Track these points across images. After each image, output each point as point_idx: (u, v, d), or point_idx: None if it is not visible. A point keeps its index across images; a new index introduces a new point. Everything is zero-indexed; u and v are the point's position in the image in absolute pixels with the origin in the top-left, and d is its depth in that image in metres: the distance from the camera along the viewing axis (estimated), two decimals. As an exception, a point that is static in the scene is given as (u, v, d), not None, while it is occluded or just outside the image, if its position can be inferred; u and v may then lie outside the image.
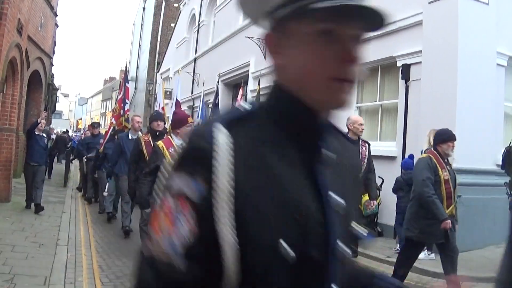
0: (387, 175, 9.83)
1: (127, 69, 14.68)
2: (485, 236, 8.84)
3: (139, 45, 41.28)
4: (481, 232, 8.79)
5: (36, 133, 11.21)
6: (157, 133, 7.54)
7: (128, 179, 7.49)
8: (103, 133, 14.39)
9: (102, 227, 10.40)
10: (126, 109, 12.23)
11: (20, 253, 7.05)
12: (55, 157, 23.96)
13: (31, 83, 18.14)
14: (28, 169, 11.16)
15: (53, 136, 24.49)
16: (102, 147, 11.94)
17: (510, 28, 9.92)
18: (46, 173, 15.09)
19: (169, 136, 6.20)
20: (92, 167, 12.84)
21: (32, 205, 10.90)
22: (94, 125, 15.86)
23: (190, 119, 6.27)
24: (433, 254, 7.87)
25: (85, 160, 14.75)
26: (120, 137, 10.06)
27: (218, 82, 18.28)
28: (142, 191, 6.13)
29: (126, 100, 12.43)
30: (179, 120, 6.24)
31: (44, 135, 11.66)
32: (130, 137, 9.34)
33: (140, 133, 9.45)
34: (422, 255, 7.34)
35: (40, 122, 11.21)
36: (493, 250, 8.65)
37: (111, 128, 12.72)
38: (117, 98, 15.58)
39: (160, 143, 6.02)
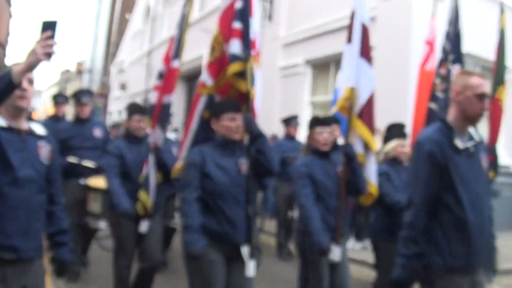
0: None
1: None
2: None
3: (95, 37, 40.61)
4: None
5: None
6: None
7: None
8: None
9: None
10: (251, 43, 3.86)
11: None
12: None
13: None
14: None
15: None
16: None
17: (465, 25, 9.91)
18: None
19: None
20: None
21: None
22: (90, 94, 6.72)
23: None
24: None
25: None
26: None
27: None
28: None
29: (250, 18, 3.91)
30: None
31: (40, 132, 2.98)
32: None
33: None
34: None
35: None
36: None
37: (200, 100, 4.00)
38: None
39: None
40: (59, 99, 7.60)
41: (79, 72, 43.65)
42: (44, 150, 2.98)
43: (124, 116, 6.45)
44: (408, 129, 6.00)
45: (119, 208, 4.50)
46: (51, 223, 3.06)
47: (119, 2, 34.06)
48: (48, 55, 2.44)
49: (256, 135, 3.68)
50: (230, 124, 3.63)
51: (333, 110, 5.13)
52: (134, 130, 4.87)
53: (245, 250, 3.58)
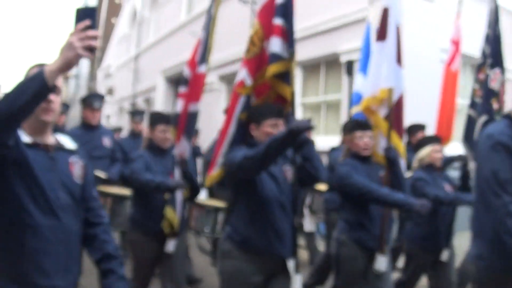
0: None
1: None
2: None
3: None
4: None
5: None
6: None
7: None
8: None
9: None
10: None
11: None
12: None
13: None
14: None
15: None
16: None
17: (470, 27, 9.91)
18: None
19: None
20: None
21: None
22: (102, 98, 6.37)
23: None
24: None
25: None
26: None
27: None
28: None
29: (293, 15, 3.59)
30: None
31: (70, 146, 2.52)
32: None
33: None
34: None
35: None
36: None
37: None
38: None
39: None
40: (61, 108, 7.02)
41: (65, 77, 43.27)
42: (77, 167, 2.46)
43: (111, 121, 6.17)
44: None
45: (168, 184, 4.04)
46: (95, 248, 2.50)
47: (105, 6, 33.88)
48: (90, 50, 1.96)
49: (302, 141, 3.31)
50: (272, 131, 3.23)
51: (353, 111, 4.87)
52: (159, 141, 4.40)
53: (291, 264, 3.24)
